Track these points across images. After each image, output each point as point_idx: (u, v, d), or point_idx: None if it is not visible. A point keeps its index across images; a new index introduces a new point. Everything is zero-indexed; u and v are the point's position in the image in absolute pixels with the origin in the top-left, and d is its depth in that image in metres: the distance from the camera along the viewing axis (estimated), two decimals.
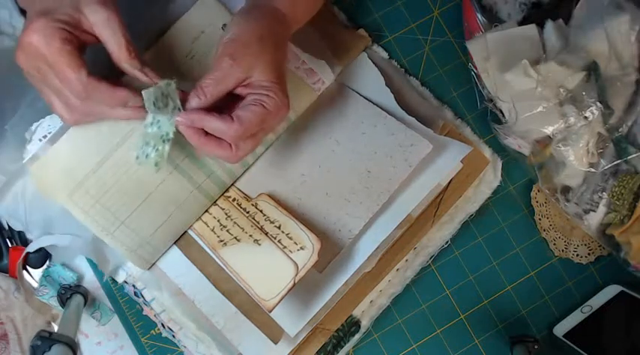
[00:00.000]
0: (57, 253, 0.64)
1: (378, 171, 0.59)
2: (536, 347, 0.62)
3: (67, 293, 0.62)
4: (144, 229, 0.57)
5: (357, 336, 0.63)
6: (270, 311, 0.53)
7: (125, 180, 0.56)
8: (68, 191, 0.55)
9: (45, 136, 0.61)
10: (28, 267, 0.64)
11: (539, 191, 0.67)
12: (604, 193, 0.62)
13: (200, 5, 0.58)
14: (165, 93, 0.47)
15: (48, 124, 0.62)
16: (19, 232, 0.64)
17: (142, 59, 0.47)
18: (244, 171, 0.61)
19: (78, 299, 0.62)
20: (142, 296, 0.62)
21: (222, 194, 0.60)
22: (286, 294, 0.53)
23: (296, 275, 0.53)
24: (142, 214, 0.57)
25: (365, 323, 0.63)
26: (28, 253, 0.62)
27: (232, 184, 0.61)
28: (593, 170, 0.60)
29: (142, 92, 0.46)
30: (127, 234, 0.57)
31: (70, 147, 0.55)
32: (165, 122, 0.48)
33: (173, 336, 0.63)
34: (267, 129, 0.50)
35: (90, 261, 0.65)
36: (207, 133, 0.48)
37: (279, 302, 0.53)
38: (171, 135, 0.48)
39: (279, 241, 0.56)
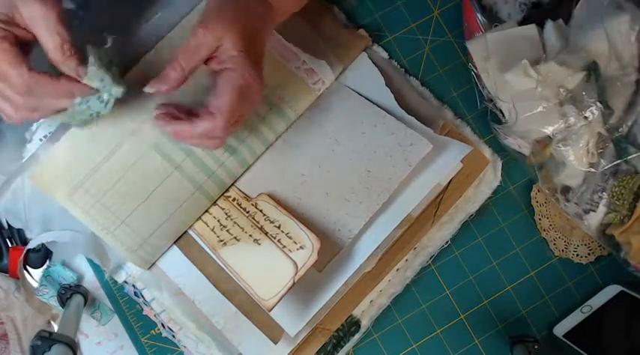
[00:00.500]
0: (57, 250, 0.64)
1: (377, 171, 0.59)
2: (536, 347, 0.62)
3: (67, 293, 0.62)
4: (144, 229, 0.57)
5: (357, 336, 0.63)
6: (270, 311, 0.53)
7: (126, 180, 0.56)
8: (68, 191, 0.56)
9: (45, 136, 0.61)
10: (28, 267, 0.64)
11: (539, 191, 0.67)
12: (604, 193, 0.62)
13: (197, 11, 0.58)
14: (108, 58, 0.46)
15: (48, 124, 0.62)
16: (19, 232, 0.64)
17: (79, 58, 0.45)
18: (244, 171, 0.61)
19: (78, 299, 0.62)
20: (142, 296, 0.62)
21: (223, 194, 0.60)
22: (286, 293, 0.53)
23: (295, 274, 0.53)
24: (143, 214, 0.57)
25: (365, 323, 0.63)
26: (28, 252, 0.62)
27: (232, 184, 0.61)
28: (593, 170, 0.60)
29: (88, 48, 0.45)
30: (128, 234, 0.57)
31: (70, 147, 0.55)
32: (96, 102, 0.47)
33: (173, 336, 0.63)
34: (248, 107, 0.49)
35: (90, 261, 0.65)
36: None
37: (278, 301, 0.53)
38: (102, 113, 0.48)
39: (278, 241, 0.56)
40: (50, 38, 0.44)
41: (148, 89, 0.47)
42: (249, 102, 0.49)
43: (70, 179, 0.56)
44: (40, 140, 0.61)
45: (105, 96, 0.47)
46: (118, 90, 0.47)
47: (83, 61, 0.46)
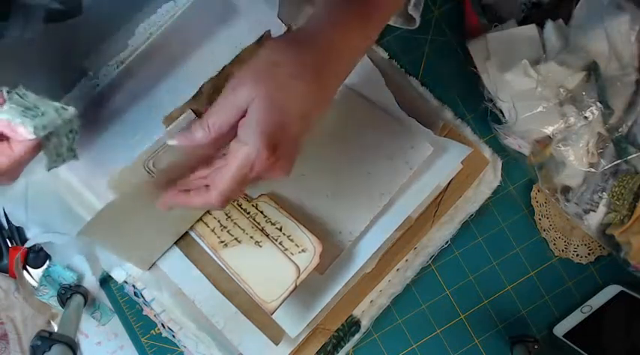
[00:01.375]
0: (54, 253, 0.64)
1: (378, 173, 0.59)
2: (536, 347, 0.62)
3: (67, 293, 0.62)
4: (147, 234, 0.57)
5: (357, 336, 0.63)
6: (272, 314, 0.53)
7: (149, 215, 0.54)
8: (105, 237, 0.54)
9: None
10: (28, 267, 0.64)
11: (539, 191, 0.67)
12: (604, 193, 0.62)
13: None
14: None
15: None
16: (19, 232, 0.64)
17: None
18: None
19: (78, 299, 0.62)
20: (142, 296, 0.62)
21: None
22: (288, 297, 0.53)
23: (297, 277, 0.53)
24: (148, 222, 0.56)
25: (365, 323, 0.63)
26: (27, 252, 0.62)
27: None
28: (593, 170, 0.60)
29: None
30: (130, 241, 0.56)
31: (116, 208, 0.52)
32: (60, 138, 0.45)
33: (173, 336, 0.62)
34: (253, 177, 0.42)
35: None
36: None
37: (280, 304, 0.53)
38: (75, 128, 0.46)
39: (280, 243, 0.55)
40: None
41: (171, 141, 0.44)
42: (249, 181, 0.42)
43: (110, 230, 0.54)
44: None
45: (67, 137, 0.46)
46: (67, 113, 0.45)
47: None
